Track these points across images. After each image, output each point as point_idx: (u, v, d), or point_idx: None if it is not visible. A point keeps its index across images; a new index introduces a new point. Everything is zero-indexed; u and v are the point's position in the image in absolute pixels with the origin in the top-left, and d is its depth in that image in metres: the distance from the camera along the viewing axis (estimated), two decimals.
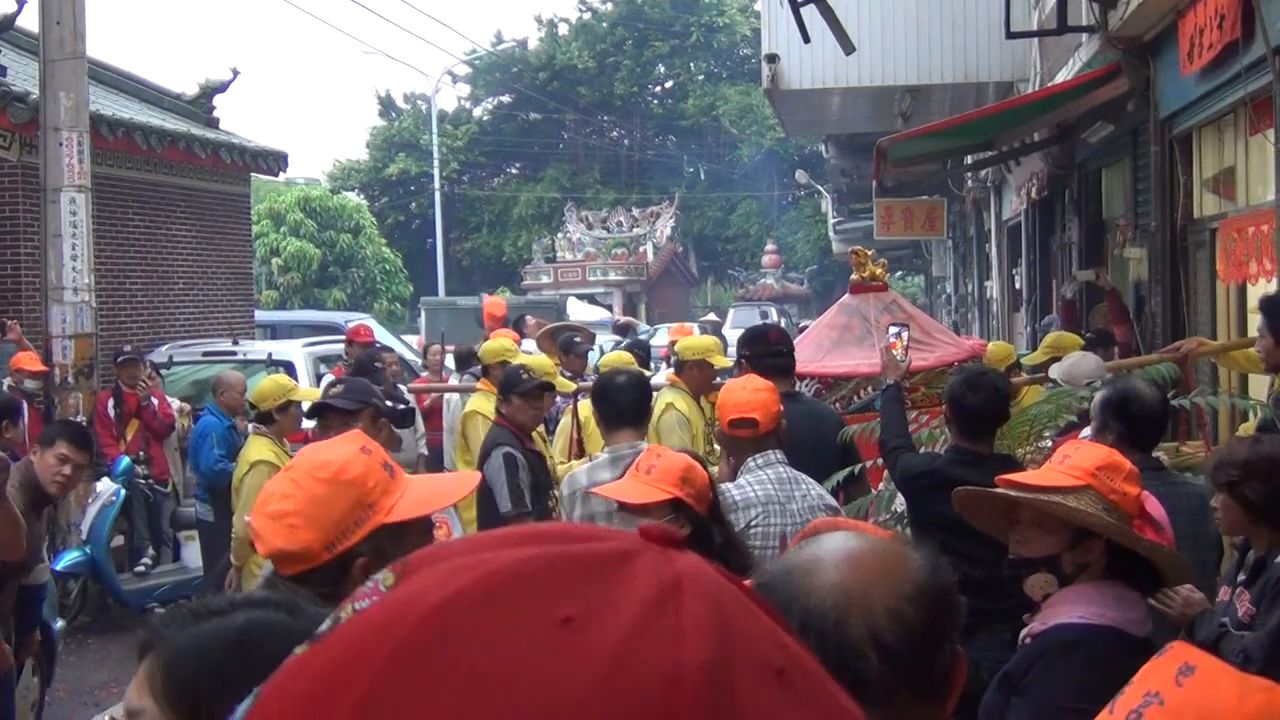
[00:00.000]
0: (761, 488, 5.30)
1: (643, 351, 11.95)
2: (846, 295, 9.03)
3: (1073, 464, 3.63)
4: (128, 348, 12.59)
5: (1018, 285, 20.96)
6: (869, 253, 9.08)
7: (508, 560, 0.77)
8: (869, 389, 7.96)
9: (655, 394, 9.44)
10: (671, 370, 9.39)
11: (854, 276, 8.95)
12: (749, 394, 5.51)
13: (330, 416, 4.84)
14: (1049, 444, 6.29)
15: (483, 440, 7.51)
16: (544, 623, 0.73)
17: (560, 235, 49.35)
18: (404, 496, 2.48)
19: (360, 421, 4.68)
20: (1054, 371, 7.80)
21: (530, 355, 9.70)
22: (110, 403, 11.95)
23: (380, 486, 2.46)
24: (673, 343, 12.60)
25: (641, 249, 48.16)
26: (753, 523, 5.11)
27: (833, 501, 5.51)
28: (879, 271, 8.80)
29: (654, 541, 0.79)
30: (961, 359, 8.27)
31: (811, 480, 5.41)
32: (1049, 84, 14.16)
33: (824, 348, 8.48)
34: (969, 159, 19.34)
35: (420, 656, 0.73)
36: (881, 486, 6.77)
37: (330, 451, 2.49)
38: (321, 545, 2.40)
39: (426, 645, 0.73)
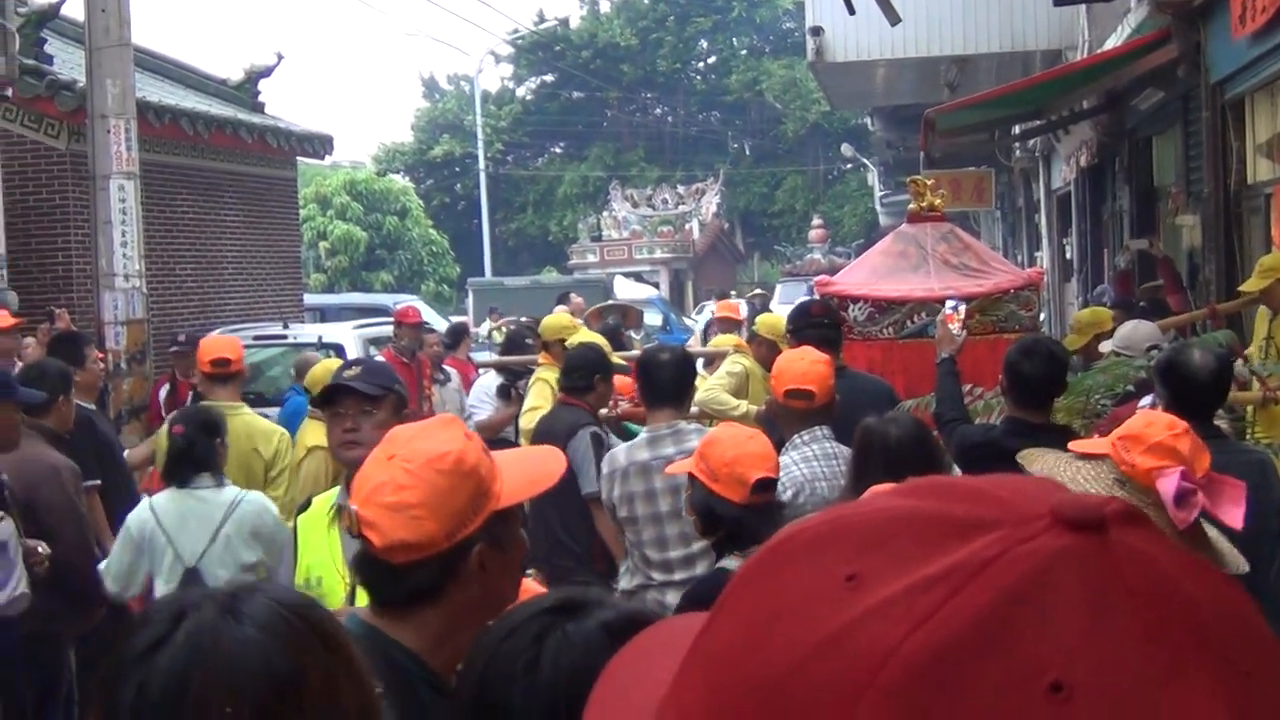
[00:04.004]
0: (806, 465, 5.27)
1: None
2: (904, 224, 8.95)
3: (1115, 433, 3.59)
4: (182, 337, 12.60)
5: (1068, 255, 20.79)
6: (928, 182, 9.01)
7: (875, 508, 0.77)
8: (922, 314, 7.90)
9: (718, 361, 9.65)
10: (741, 337, 9.90)
11: (912, 205, 8.87)
12: (807, 365, 5.48)
13: (348, 401, 4.23)
14: (1108, 414, 6.22)
15: (546, 420, 7.49)
16: (832, 574, 0.73)
17: (606, 214, 49.24)
18: (506, 480, 2.50)
19: (383, 410, 4.22)
20: (1111, 342, 7.72)
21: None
22: (164, 391, 11.99)
23: (490, 473, 2.48)
24: (723, 318, 12.86)
25: (687, 226, 48.02)
26: (796, 501, 5.07)
27: None
28: (937, 201, 8.72)
29: (1055, 521, 0.72)
30: (1018, 286, 8.20)
31: None
32: (1097, 51, 14.01)
33: (878, 273, 8.42)
34: (1017, 128, 19.15)
35: (744, 580, 0.80)
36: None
37: (440, 440, 2.48)
38: (444, 534, 2.40)
39: (752, 571, 0.79)
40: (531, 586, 2.74)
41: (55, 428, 6.96)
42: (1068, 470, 3.59)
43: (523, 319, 16.22)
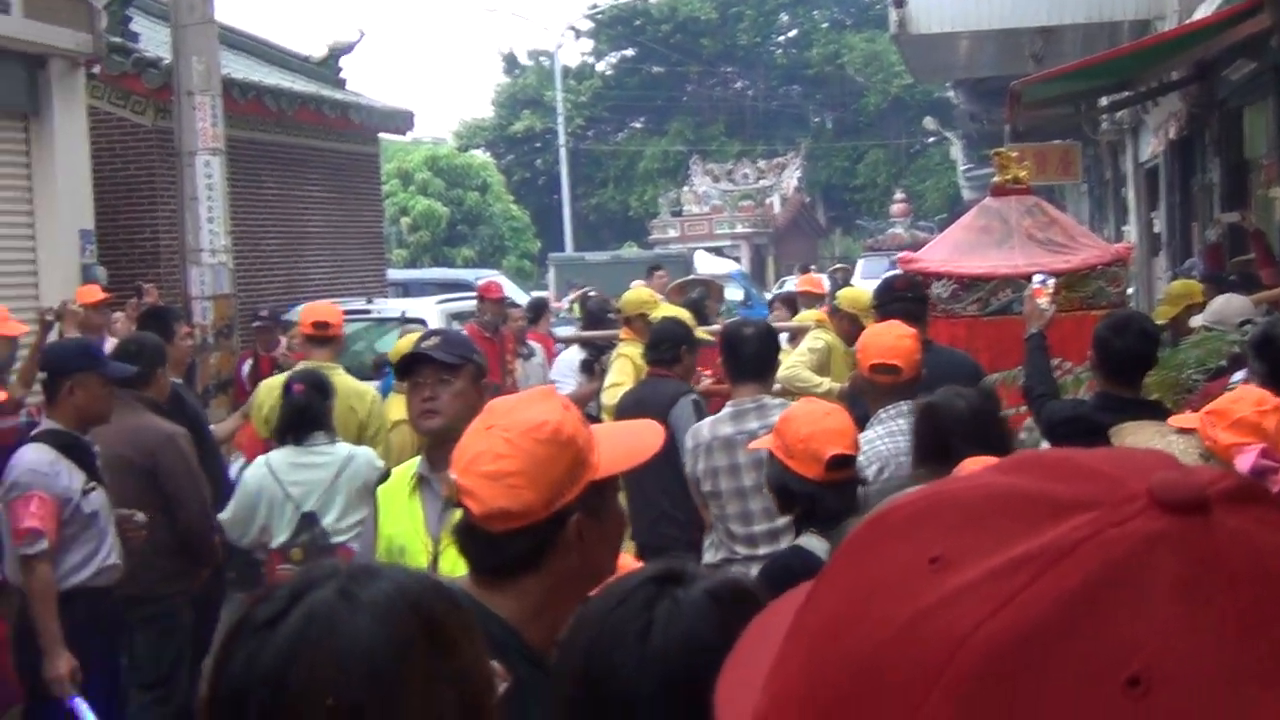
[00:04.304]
0: (891, 440, 5.23)
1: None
2: (988, 197, 8.82)
3: (1206, 407, 3.54)
4: (264, 311, 12.73)
5: (1156, 229, 20.52)
6: (1013, 155, 8.88)
7: (974, 484, 0.76)
8: (1007, 291, 7.77)
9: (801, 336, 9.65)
10: (823, 310, 9.99)
11: (996, 179, 8.73)
12: (893, 339, 5.44)
13: (426, 370, 4.24)
14: (1199, 389, 6.13)
15: (638, 392, 7.49)
16: (918, 554, 0.72)
17: (686, 189, 49.12)
18: (604, 451, 2.51)
19: (461, 380, 4.23)
20: (1202, 317, 7.61)
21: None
22: (247, 365, 12.11)
23: (588, 444, 2.49)
24: (804, 292, 12.86)
25: (768, 201, 47.80)
26: (880, 477, 5.03)
27: None
28: (1022, 174, 8.59)
29: (1153, 501, 0.69)
30: (1106, 262, 8.08)
31: None
32: (1187, 21, 13.78)
33: (962, 249, 8.32)
34: (1104, 100, 18.90)
35: (843, 555, 0.79)
36: (1023, 435, 6.65)
37: (539, 410, 2.50)
38: (542, 504, 2.42)
39: (851, 546, 0.78)
40: (627, 560, 2.74)
41: (155, 398, 7.14)
42: (1160, 444, 3.54)
43: (590, 291, 16.28)
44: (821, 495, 4.08)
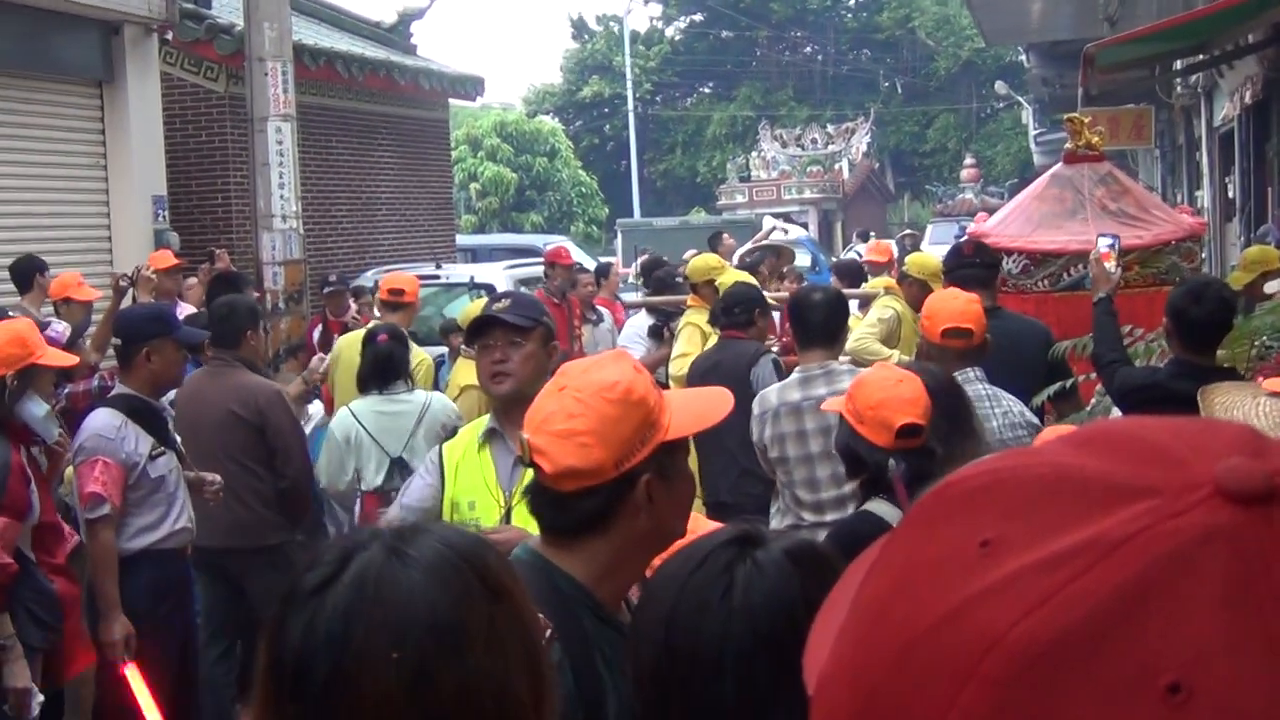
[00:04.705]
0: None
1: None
2: (1059, 165, 8.64)
3: None
4: (333, 277, 12.80)
5: (1230, 195, 20.25)
6: (1086, 120, 8.66)
7: (1038, 462, 0.73)
8: (1080, 266, 7.57)
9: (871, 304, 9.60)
10: (892, 276, 10.06)
11: (1068, 145, 8.55)
12: (963, 304, 5.41)
13: (496, 333, 4.26)
14: (1273, 358, 6.05)
15: (713, 355, 7.50)
16: (970, 536, 0.70)
17: (754, 154, 48.92)
18: (675, 414, 2.53)
19: (531, 342, 4.24)
20: (1277, 282, 7.52)
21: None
22: (317, 331, 12.19)
23: (659, 405, 2.51)
24: (870, 261, 12.87)
25: (837, 166, 47.52)
26: None
27: (1034, 419, 5.35)
28: (1095, 140, 8.42)
29: (1216, 491, 0.66)
30: (1179, 237, 7.93)
31: (1012, 397, 5.29)
32: None
33: (1033, 221, 8.17)
34: (1179, 64, 18.64)
35: (902, 529, 0.77)
36: (1095, 401, 6.60)
37: (611, 371, 2.53)
38: (612, 463, 2.45)
39: (911, 520, 0.77)
40: (702, 522, 2.76)
41: (251, 359, 7.39)
42: (1250, 405, 3.49)
43: (648, 252, 16.28)
44: (887, 462, 4.05)
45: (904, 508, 3.85)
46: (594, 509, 2.47)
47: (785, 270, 12.49)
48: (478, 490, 4.08)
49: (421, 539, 1.61)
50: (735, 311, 7.40)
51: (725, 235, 17.44)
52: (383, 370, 7.23)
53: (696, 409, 2.63)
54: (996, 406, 5.13)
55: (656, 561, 2.34)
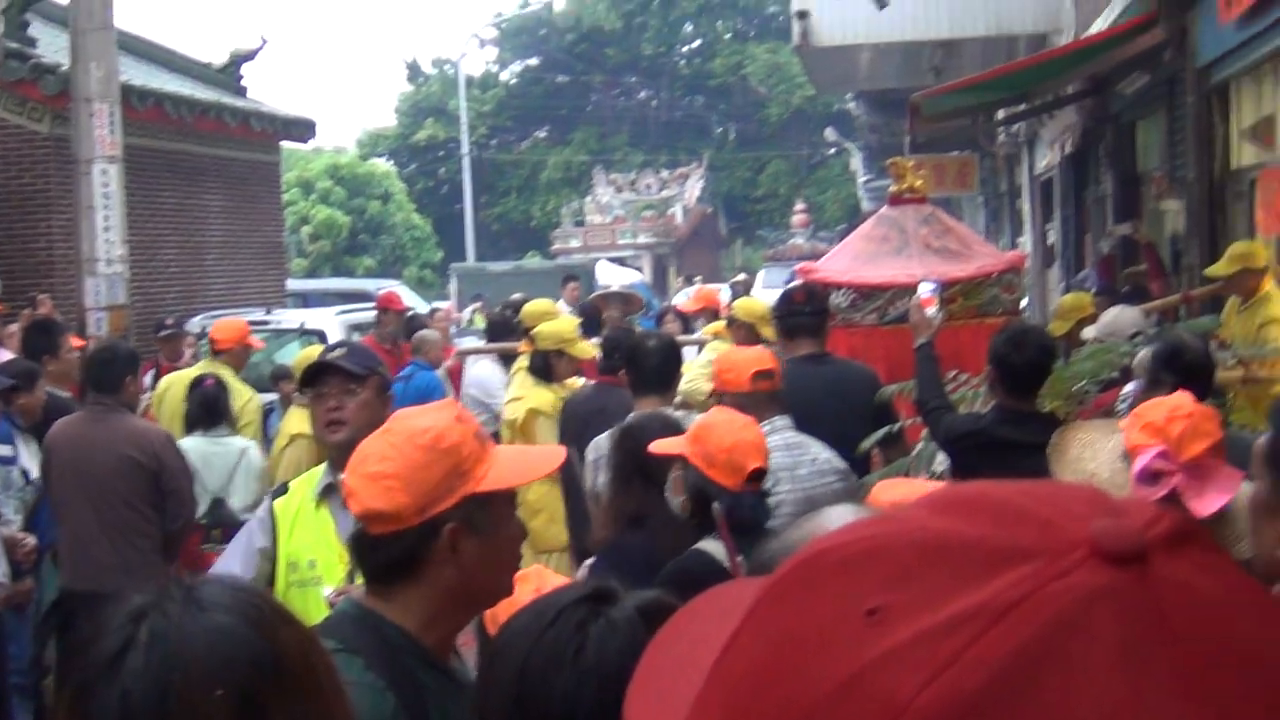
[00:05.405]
0: (788, 454, 5.24)
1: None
2: (885, 207, 8.83)
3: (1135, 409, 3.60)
4: (169, 321, 12.56)
5: (1051, 241, 20.81)
6: (909, 164, 8.89)
7: (912, 528, 0.73)
8: (905, 300, 7.73)
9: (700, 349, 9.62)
10: (722, 324, 10.05)
11: (893, 188, 8.74)
12: (750, 350, 5.53)
13: (331, 380, 4.20)
14: (1090, 401, 6.23)
15: (592, 401, 7.45)
16: (856, 606, 0.69)
17: (589, 198, 49.18)
18: (494, 466, 2.53)
19: (366, 390, 4.18)
20: (1094, 328, 7.74)
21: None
22: (149, 376, 11.95)
23: (474, 456, 2.51)
24: (702, 309, 12.99)
25: (671, 211, 47.96)
26: (776, 490, 5.05)
27: (842, 465, 5.39)
28: (918, 183, 8.62)
29: (1092, 552, 0.67)
30: (1000, 270, 8.15)
31: (819, 443, 5.34)
32: (1083, 35, 14.00)
33: (861, 257, 8.33)
34: (1001, 113, 19.16)
35: (770, 597, 0.76)
36: (920, 445, 6.71)
37: (428, 418, 2.55)
38: (415, 508, 2.46)
39: (779, 588, 0.76)
40: (549, 577, 2.77)
41: (131, 404, 7.57)
42: (1103, 444, 3.59)
43: (481, 297, 16.24)
44: (735, 505, 4.12)
45: (729, 547, 3.91)
46: (399, 554, 2.48)
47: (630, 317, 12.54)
48: (318, 548, 3.99)
49: (211, 586, 1.63)
50: (613, 357, 7.38)
51: (574, 281, 17.51)
52: (208, 412, 7.96)
53: (521, 464, 2.64)
54: (804, 454, 5.17)
55: (503, 615, 2.34)
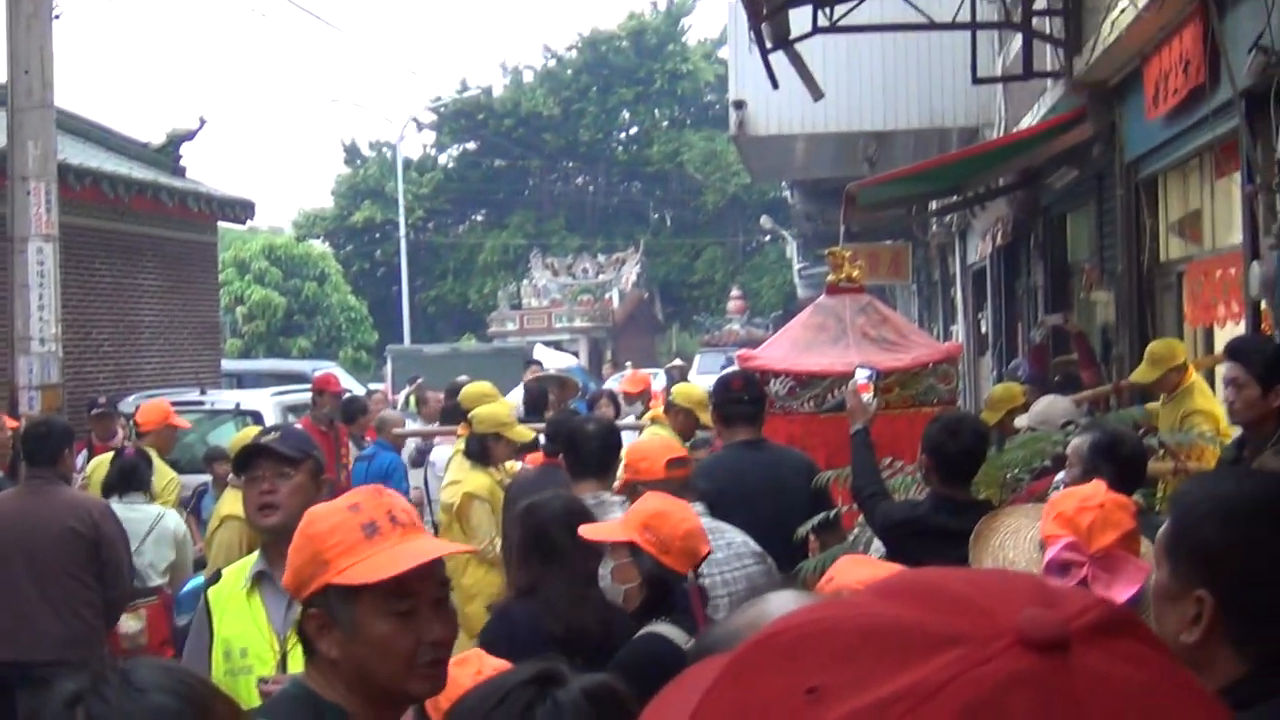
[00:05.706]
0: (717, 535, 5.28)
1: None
2: (823, 296, 8.89)
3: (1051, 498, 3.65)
4: (102, 400, 12.46)
5: (983, 330, 21.01)
6: (846, 254, 8.96)
7: (856, 613, 0.76)
8: (842, 388, 7.76)
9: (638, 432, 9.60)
10: (659, 409, 10.08)
11: (830, 277, 8.80)
12: (663, 439, 5.58)
13: (265, 463, 4.17)
14: (1023, 489, 6.29)
15: (536, 482, 7.39)
16: (796, 683, 0.73)
17: (526, 282, 49.34)
18: (369, 561, 2.51)
19: (301, 474, 4.16)
20: (1026, 418, 7.82)
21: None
22: (81, 457, 11.83)
23: (341, 547, 2.52)
24: (641, 391, 13.01)
25: (607, 295, 48.20)
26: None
27: (758, 548, 5.43)
28: (855, 273, 8.71)
29: (1017, 639, 0.70)
30: (937, 360, 8.22)
31: (733, 528, 5.40)
32: (1014, 129, 14.25)
33: (799, 346, 8.39)
34: (934, 204, 19.41)
35: (728, 674, 0.79)
36: (855, 531, 6.74)
37: (324, 505, 2.65)
38: (294, 586, 2.59)
39: (736, 665, 0.79)
40: (489, 660, 2.78)
41: (67, 475, 7.78)
42: (1026, 531, 3.64)
43: (418, 379, 16.29)
44: (685, 589, 4.20)
45: (699, 623, 4.00)
46: (301, 630, 2.59)
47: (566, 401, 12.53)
48: (249, 636, 3.94)
49: (142, 669, 1.66)
50: (557, 441, 7.39)
51: (535, 366, 17.53)
52: (126, 479, 8.33)
53: (382, 560, 2.53)
54: (720, 538, 5.21)
55: (445, 701, 2.34)
